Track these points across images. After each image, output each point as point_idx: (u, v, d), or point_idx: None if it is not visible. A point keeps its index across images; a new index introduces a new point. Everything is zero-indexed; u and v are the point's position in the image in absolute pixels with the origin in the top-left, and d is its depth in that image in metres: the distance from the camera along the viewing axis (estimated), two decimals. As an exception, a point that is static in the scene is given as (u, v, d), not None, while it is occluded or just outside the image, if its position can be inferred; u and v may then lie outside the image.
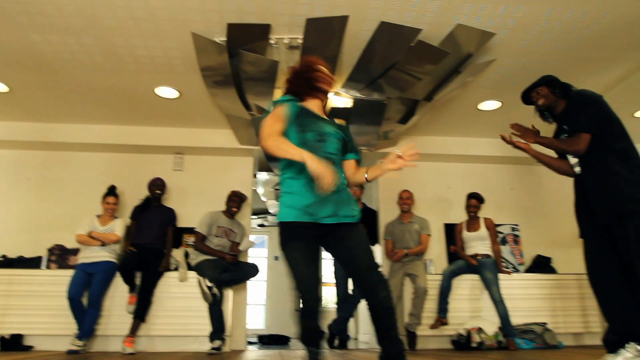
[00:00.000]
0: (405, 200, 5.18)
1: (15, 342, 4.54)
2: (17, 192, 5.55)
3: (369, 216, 5.41)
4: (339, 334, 5.22)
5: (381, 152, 5.78)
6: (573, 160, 2.76)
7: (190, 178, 5.76)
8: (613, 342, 2.43)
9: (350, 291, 5.27)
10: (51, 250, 5.08)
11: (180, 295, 4.73)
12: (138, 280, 4.63)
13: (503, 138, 2.92)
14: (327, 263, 9.04)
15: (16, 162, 5.68)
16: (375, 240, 5.40)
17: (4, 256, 5.09)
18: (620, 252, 2.42)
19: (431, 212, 5.70)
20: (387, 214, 5.52)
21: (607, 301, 2.52)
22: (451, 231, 5.56)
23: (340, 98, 4.75)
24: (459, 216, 5.54)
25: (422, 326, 4.81)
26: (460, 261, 5.07)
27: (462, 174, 6.10)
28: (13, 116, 5.40)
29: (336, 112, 4.75)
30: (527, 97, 3.03)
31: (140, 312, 4.50)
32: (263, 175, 6.58)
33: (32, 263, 5.04)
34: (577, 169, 2.75)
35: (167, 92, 4.80)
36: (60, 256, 5.04)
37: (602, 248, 2.55)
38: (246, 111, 4.73)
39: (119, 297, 4.65)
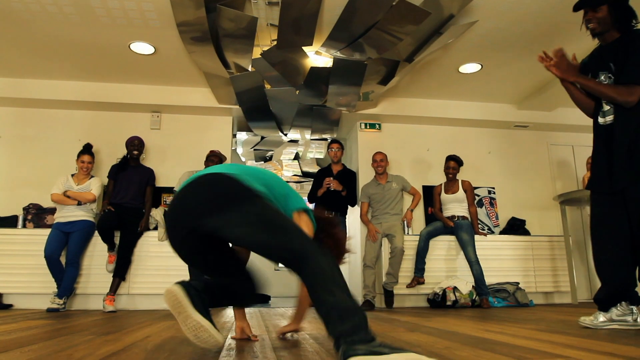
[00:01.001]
0: (380, 162, 5.20)
1: (-7, 301, 4.54)
2: (-11, 150, 5.41)
3: (348, 177, 5.43)
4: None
5: (361, 113, 5.76)
6: (606, 107, 2.46)
7: (168, 137, 5.68)
8: (604, 300, 2.45)
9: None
10: (27, 209, 5.01)
11: (160, 255, 4.74)
12: (117, 240, 4.62)
13: (542, 56, 2.62)
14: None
15: (-14, 119, 5.52)
16: (354, 202, 5.44)
17: (-22, 215, 5.02)
18: (631, 214, 2.33)
19: (410, 173, 5.75)
20: (367, 174, 5.55)
21: (605, 259, 2.46)
22: (429, 193, 5.63)
23: (321, 57, 4.68)
24: (438, 178, 5.61)
25: (399, 285, 4.93)
26: (437, 222, 5.15)
27: (441, 137, 6.13)
28: (-20, 71, 5.21)
29: (316, 72, 4.68)
30: (580, 8, 2.51)
31: (120, 271, 4.51)
32: (242, 135, 6.51)
33: (8, 222, 4.98)
34: (607, 119, 2.46)
35: (142, 47, 4.66)
36: (37, 215, 4.98)
37: (611, 205, 2.43)
38: (224, 69, 4.63)
39: (98, 256, 4.64)
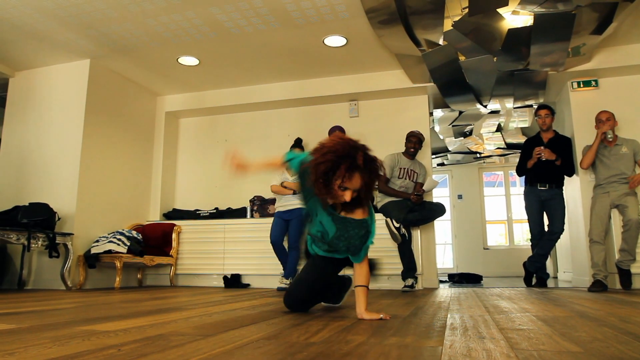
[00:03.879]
0: (605, 121, 4.52)
1: (235, 281, 5.29)
2: (218, 153, 6.30)
3: (563, 144, 4.88)
4: (537, 272, 4.93)
5: (572, 71, 5.11)
6: None
7: (367, 123, 5.84)
8: None
9: (545, 227, 4.90)
10: (252, 201, 5.70)
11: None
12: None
13: None
14: (518, 198, 8.53)
15: (211, 126, 6.46)
16: (572, 171, 4.87)
17: (216, 208, 5.90)
18: None
19: (641, 133, 4.90)
20: (584, 139, 4.90)
21: None
22: (669, 153, 4.73)
23: (518, 17, 4.28)
24: (680, 134, 4.67)
25: (637, 263, 4.27)
26: (683, 187, 4.30)
27: (682, 84, 5.06)
28: (204, 86, 6.11)
29: (514, 33, 4.29)
30: None
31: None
32: (439, 113, 6.36)
33: (239, 213, 5.75)
34: None
35: (335, 40, 4.87)
36: (261, 206, 5.63)
37: None
38: (416, 47, 4.56)
39: (314, 240, 5.03)
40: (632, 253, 4.21)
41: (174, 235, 5.60)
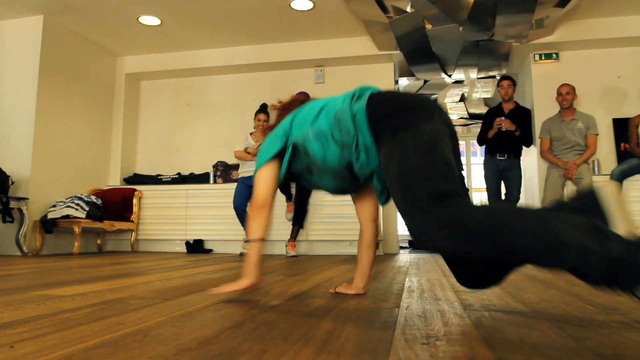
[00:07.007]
0: (565, 96, 4.62)
1: (198, 246, 5.27)
2: (180, 117, 6.17)
3: (522, 115, 4.98)
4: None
5: (535, 43, 5.18)
6: None
7: (332, 90, 5.76)
8: None
9: (502, 196, 5.04)
10: (216, 167, 5.63)
11: (333, 203, 4.97)
12: (294, 190, 4.96)
13: None
14: (478, 168, 8.72)
15: (175, 90, 6.27)
16: (529, 142, 4.99)
17: (178, 174, 5.80)
18: None
19: (597, 106, 5.06)
20: (543, 111, 5.03)
21: None
22: (621, 127, 4.91)
23: (486, -14, 4.28)
24: (634, 109, 4.84)
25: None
26: (633, 160, 4.48)
27: (637, 60, 5.22)
28: (166, 47, 5.90)
29: (481, 3, 4.30)
30: None
31: (298, 219, 4.84)
32: (404, 81, 6.37)
33: (202, 178, 5.68)
34: None
35: (301, 4, 4.77)
36: (224, 171, 5.58)
37: None
38: (383, 14, 4.52)
39: (278, 206, 5.01)
40: (582, 221, 4.38)
41: (134, 201, 5.51)
